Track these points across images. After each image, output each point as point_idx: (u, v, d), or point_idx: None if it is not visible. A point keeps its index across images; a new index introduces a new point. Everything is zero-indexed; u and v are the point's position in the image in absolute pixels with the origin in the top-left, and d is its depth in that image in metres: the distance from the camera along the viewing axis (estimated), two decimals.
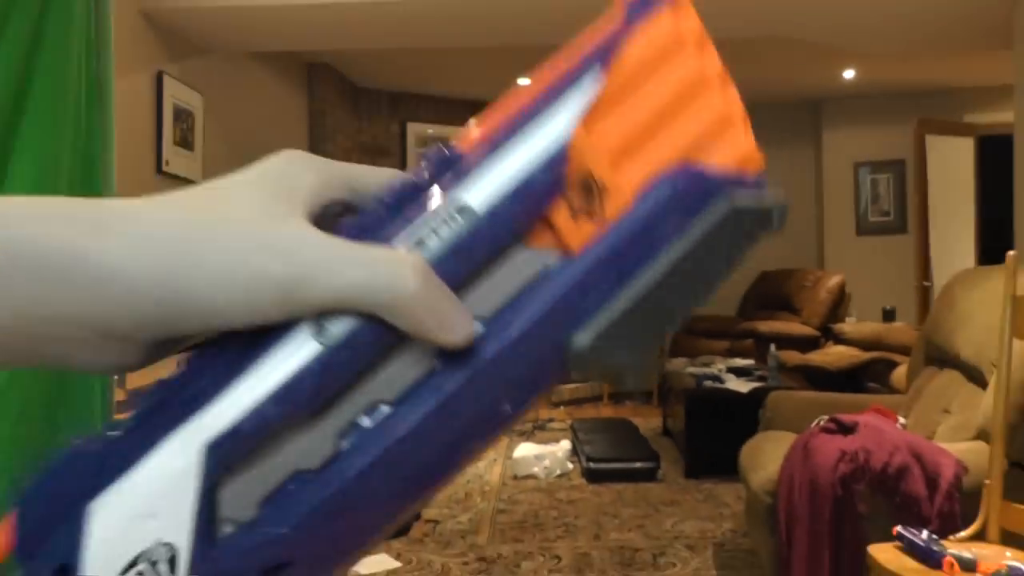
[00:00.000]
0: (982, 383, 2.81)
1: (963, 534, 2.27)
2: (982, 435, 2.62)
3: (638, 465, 4.73)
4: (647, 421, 6.06)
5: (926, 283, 6.61)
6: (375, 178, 0.33)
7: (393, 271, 0.27)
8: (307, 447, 0.28)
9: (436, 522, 4.02)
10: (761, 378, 5.03)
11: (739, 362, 5.62)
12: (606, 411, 6.75)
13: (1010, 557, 2.07)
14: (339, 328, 0.28)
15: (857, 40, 5.02)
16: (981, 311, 2.91)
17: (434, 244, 0.29)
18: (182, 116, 4.26)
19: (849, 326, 6.25)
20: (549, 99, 0.31)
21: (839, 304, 6.80)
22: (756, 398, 4.03)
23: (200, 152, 4.44)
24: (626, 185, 0.30)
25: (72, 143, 1.52)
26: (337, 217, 0.32)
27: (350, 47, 5.30)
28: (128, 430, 0.28)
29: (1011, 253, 2.41)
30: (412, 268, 0.28)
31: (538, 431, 6.02)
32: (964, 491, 2.44)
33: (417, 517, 2.66)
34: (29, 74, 1.43)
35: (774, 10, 4.11)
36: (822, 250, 7.76)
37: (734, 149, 0.32)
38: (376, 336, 0.28)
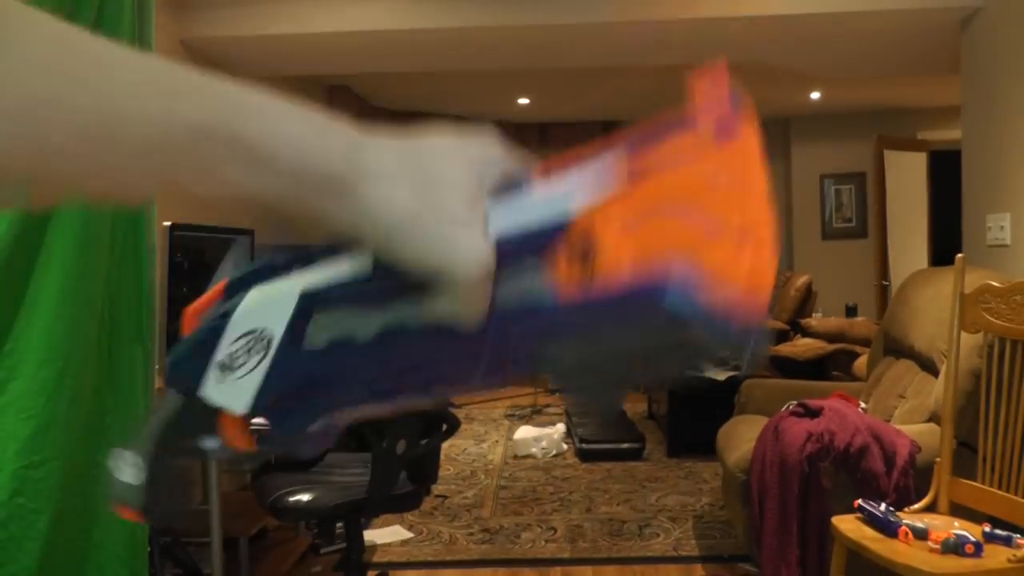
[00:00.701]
0: (934, 371, 2.81)
1: (916, 506, 2.28)
2: (934, 418, 2.62)
3: (626, 446, 4.73)
4: (634, 406, 6.06)
5: (884, 282, 6.61)
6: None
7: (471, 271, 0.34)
8: (358, 327, 0.36)
9: (444, 497, 4.03)
10: (736, 367, 5.03)
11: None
12: None
13: (958, 527, 2.07)
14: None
15: (822, 66, 5.02)
16: (932, 307, 2.91)
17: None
18: None
19: (815, 321, 6.24)
20: (598, 166, 0.35)
21: (806, 301, 6.79)
22: (732, 385, 4.03)
23: None
24: (618, 269, 0.33)
25: None
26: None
27: (367, 71, 5.30)
28: (274, 263, 0.39)
29: (959, 256, 2.41)
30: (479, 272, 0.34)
31: (536, 415, 6.02)
32: (917, 468, 2.44)
33: (428, 492, 2.67)
34: None
35: (749, 39, 4.12)
36: (791, 253, 7.75)
37: (731, 283, 0.32)
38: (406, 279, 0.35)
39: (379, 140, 0.37)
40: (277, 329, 0.36)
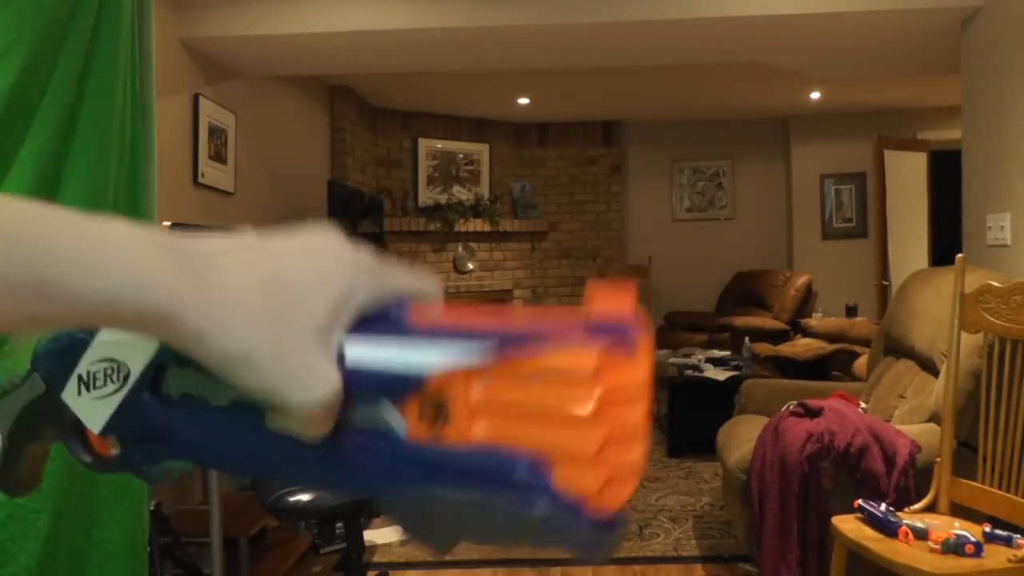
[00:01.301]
0: (934, 371, 2.81)
1: (916, 506, 2.28)
2: (934, 418, 2.62)
3: None
4: None
5: (884, 282, 6.60)
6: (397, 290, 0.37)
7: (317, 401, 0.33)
8: (213, 391, 0.36)
9: None
10: (736, 367, 5.03)
11: (716, 353, 5.62)
12: None
13: (958, 527, 2.07)
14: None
15: (822, 66, 5.02)
16: (933, 307, 2.91)
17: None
18: (216, 133, 4.26)
19: (815, 321, 6.24)
20: (467, 334, 0.33)
21: (806, 301, 6.79)
22: (732, 385, 4.03)
23: (232, 165, 4.44)
24: (468, 430, 0.32)
25: (118, 157, 1.53)
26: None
27: (367, 71, 5.30)
28: None
29: (960, 256, 2.41)
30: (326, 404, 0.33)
31: None
32: (917, 468, 2.44)
33: None
34: (80, 96, 1.44)
35: (750, 40, 4.11)
36: (791, 253, 7.75)
37: (582, 485, 0.31)
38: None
39: (231, 256, 0.34)
40: (135, 368, 0.37)
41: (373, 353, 0.34)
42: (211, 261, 0.33)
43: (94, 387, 0.37)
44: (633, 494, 0.32)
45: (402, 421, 0.33)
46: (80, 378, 0.37)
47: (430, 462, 0.33)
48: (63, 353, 0.38)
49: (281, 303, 0.33)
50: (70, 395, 0.38)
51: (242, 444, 0.37)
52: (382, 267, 0.37)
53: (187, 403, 0.37)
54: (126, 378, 0.37)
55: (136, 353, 0.37)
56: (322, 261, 0.35)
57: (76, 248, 0.31)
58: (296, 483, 0.45)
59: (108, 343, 0.37)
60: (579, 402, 0.30)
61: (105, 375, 0.37)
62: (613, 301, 0.34)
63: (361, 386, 0.33)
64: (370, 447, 0.34)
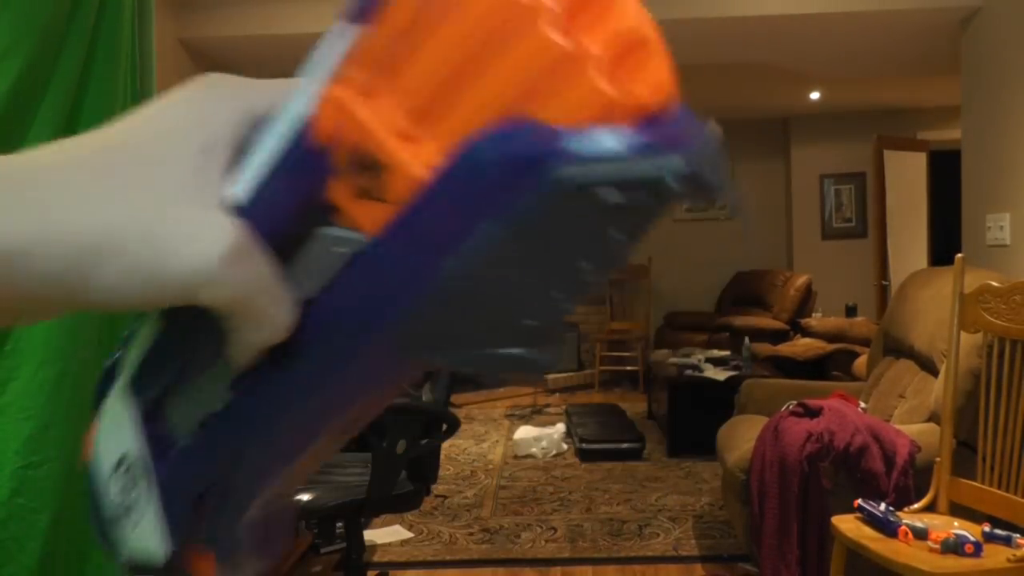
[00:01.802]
0: (933, 371, 2.81)
1: (916, 506, 2.28)
2: (933, 417, 2.62)
3: (626, 445, 4.73)
4: (634, 406, 6.06)
5: (884, 282, 6.61)
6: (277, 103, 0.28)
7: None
8: (211, 395, 0.27)
9: (444, 497, 4.03)
10: (736, 367, 5.03)
11: (716, 353, 5.62)
12: (597, 397, 6.75)
13: (958, 527, 2.07)
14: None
15: (822, 66, 5.02)
16: (932, 307, 2.91)
17: None
18: None
19: (815, 320, 6.24)
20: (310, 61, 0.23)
21: (806, 301, 6.79)
22: (732, 385, 4.03)
23: None
24: (420, 157, 0.22)
25: None
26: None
27: None
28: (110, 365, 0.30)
29: (959, 256, 2.41)
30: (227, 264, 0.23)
31: (536, 415, 6.02)
32: (917, 468, 2.44)
33: (428, 492, 2.67)
34: (81, 96, 1.44)
35: (750, 40, 4.12)
36: (791, 253, 7.75)
37: (588, 95, 0.21)
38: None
39: (51, 154, 0.25)
40: (133, 446, 0.28)
41: (255, 170, 0.25)
42: (28, 170, 0.24)
43: (127, 514, 0.28)
44: (672, 74, 0.21)
45: (346, 232, 0.24)
46: (113, 519, 0.28)
47: (421, 239, 0.22)
48: (92, 505, 0.29)
49: (120, 168, 0.24)
50: (125, 543, 0.28)
51: (274, 414, 0.26)
52: (246, 85, 0.29)
53: (205, 428, 0.27)
54: (141, 466, 0.28)
55: (121, 426, 0.28)
56: (163, 110, 0.26)
57: None
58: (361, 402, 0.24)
59: (100, 450, 0.29)
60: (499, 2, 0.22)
61: (123, 488, 0.28)
62: None
63: (272, 215, 0.24)
64: (349, 285, 0.24)
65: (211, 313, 0.24)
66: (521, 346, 0.23)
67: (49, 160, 0.24)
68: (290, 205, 0.24)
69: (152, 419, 0.28)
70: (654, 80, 0.22)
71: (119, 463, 0.28)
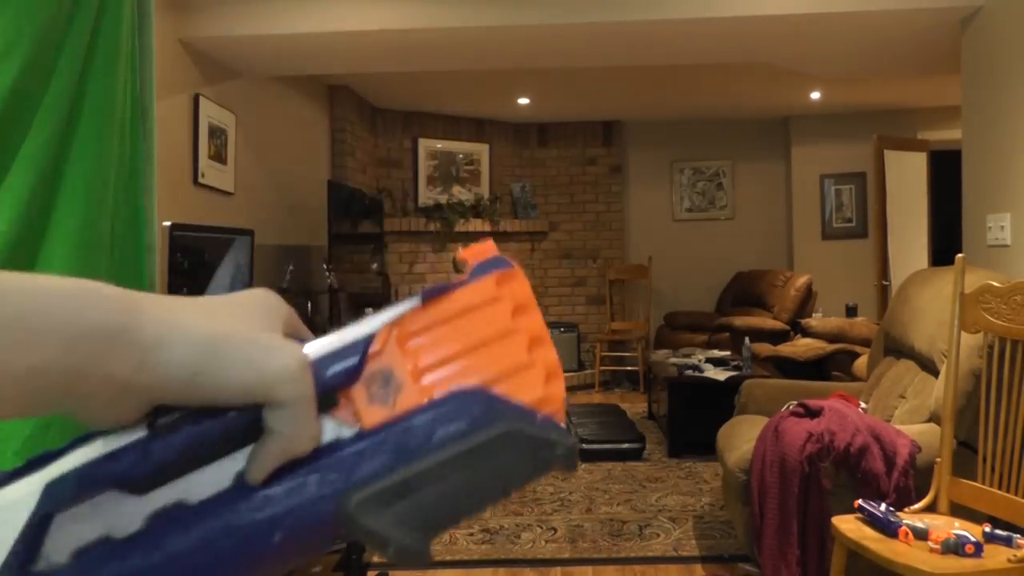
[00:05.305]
0: (934, 371, 2.81)
1: (917, 506, 2.28)
2: (934, 418, 2.62)
3: (626, 446, 4.73)
4: (634, 406, 6.06)
5: (884, 282, 6.61)
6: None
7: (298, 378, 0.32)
8: (119, 518, 0.30)
9: None
10: (736, 367, 5.03)
11: (717, 353, 5.62)
12: (597, 397, 6.75)
13: (958, 527, 2.07)
14: (168, 420, 0.31)
15: (822, 66, 5.02)
16: (933, 307, 2.91)
17: None
18: (216, 133, 4.26)
19: (815, 321, 6.24)
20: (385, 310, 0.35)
21: (807, 301, 6.79)
22: (732, 385, 4.03)
23: (232, 166, 4.44)
24: (422, 390, 0.33)
25: (118, 157, 1.53)
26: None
27: (367, 71, 5.30)
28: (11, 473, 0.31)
29: (959, 256, 2.41)
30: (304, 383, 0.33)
31: None
32: (917, 468, 2.44)
33: None
34: (81, 96, 1.44)
35: (750, 40, 4.11)
36: (791, 253, 7.75)
37: (530, 390, 0.34)
38: (200, 437, 0.31)
39: (164, 300, 0.34)
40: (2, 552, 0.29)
41: (316, 344, 0.34)
42: (145, 299, 0.32)
43: None
44: (565, 391, 0.35)
45: (349, 414, 0.33)
46: None
47: (397, 441, 0.32)
48: None
49: (221, 316, 0.33)
50: None
51: (244, 518, 0.31)
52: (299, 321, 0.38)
53: (84, 553, 0.29)
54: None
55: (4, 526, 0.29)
56: (246, 298, 0.36)
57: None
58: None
59: None
60: (500, 317, 0.35)
61: None
62: (480, 250, 0.37)
63: (316, 375, 0.33)
64: (321, 460, 0.32)
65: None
66: (423, 535, 0.31)
67: (164, 299, 0.33)
68: (328, 383, 0.33)
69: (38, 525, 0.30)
70: (559, 391, 0.34)
71: None
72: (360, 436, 0.32)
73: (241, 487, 0.31)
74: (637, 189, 7.94)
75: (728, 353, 5.62)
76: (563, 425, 0.34)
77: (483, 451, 0.31)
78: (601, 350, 7.18)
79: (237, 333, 0.32)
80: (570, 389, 7.09)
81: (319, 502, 0.31)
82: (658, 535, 3.43)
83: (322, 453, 0.32)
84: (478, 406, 0.32)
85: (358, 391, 0.33)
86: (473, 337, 0.34)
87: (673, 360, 5.42)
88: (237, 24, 3.92)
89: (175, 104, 3.91)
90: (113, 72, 1.51)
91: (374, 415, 0.33)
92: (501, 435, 0.31)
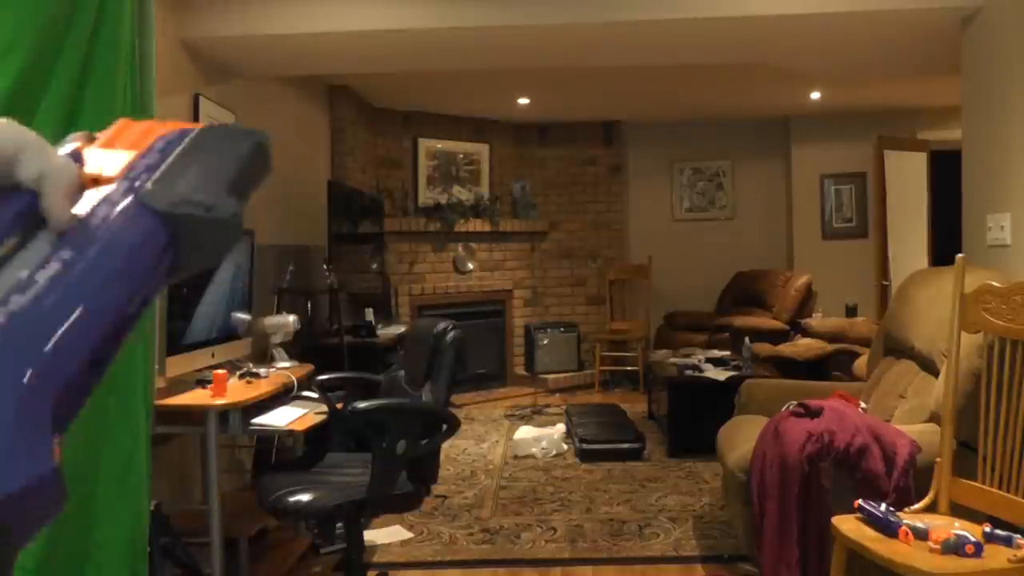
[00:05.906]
0: (934, 371, 2.81)
1: (917, 506, 2.28)
2: (934, 418, 2.62)
3: (626, 446, 4.73)
4: (634, 406, 6.06)
5: (884, 282, 6.61)
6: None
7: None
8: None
9: (444, 497, 4.03)
10: (736, 367, 5.03)
11: (716, 353, 5.62)
12: (597, 397, 6.75)
13: (958, 527, 2.07)
14: None
15: (822, 66, 5.02)
16: (933, 307, 2.91)
17: None
18: None
19: (815, 321, 6.24)
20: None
21: (806, 301, 6.79)
22: (732, 385, 4.03)
23: None
24: (135, 146, 0.45)
25: None
26: None
27: (367, 71, 5.30)
28: None
29: (960, 256, 2.41)
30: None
31: (536, 415, 6.02)
32: (917, 468, 2.44)
33: (428, 492, 2.67)
34: (81, 95, 1.44)
35: (750, 40, 4.11)
36: (791, 253, 7.75)
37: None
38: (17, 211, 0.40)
39: None
40: None
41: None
42: None
43: None
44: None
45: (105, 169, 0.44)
46: None
47: (149, 160, 0.44)
48: None
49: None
50: None
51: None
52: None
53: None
54: None
55: None
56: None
57: None
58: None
59: None
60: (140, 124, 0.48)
61: None
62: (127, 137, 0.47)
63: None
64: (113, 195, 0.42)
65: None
66: (228, 196, 0.43)
67: None
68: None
69: None
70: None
71: None
72: (126, 167, 0.43)
73: (61, 242, 0.39)
74: (637, 189, 7.94)
75: (728, 353, 5.62)
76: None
77: (205, 140, 0.44)
78: (601, 350, 7.18)
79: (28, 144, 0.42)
80: (570, 389, 7.10)
81: (126, 212, 0.40)
82: (658, 535, 3.43)
83: (100, 202, 0.41)
84: (180, 131, 0.45)
85: (91, 165, 0.43)
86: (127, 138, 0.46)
87: (673, 360, 5.42)
88: (237, 24, 3.92)
89: (175, 104, 3.90)
90: (113, 72, 1.51)
91: (119, 163, 0.43)
92: (208, 129, 0.45)
